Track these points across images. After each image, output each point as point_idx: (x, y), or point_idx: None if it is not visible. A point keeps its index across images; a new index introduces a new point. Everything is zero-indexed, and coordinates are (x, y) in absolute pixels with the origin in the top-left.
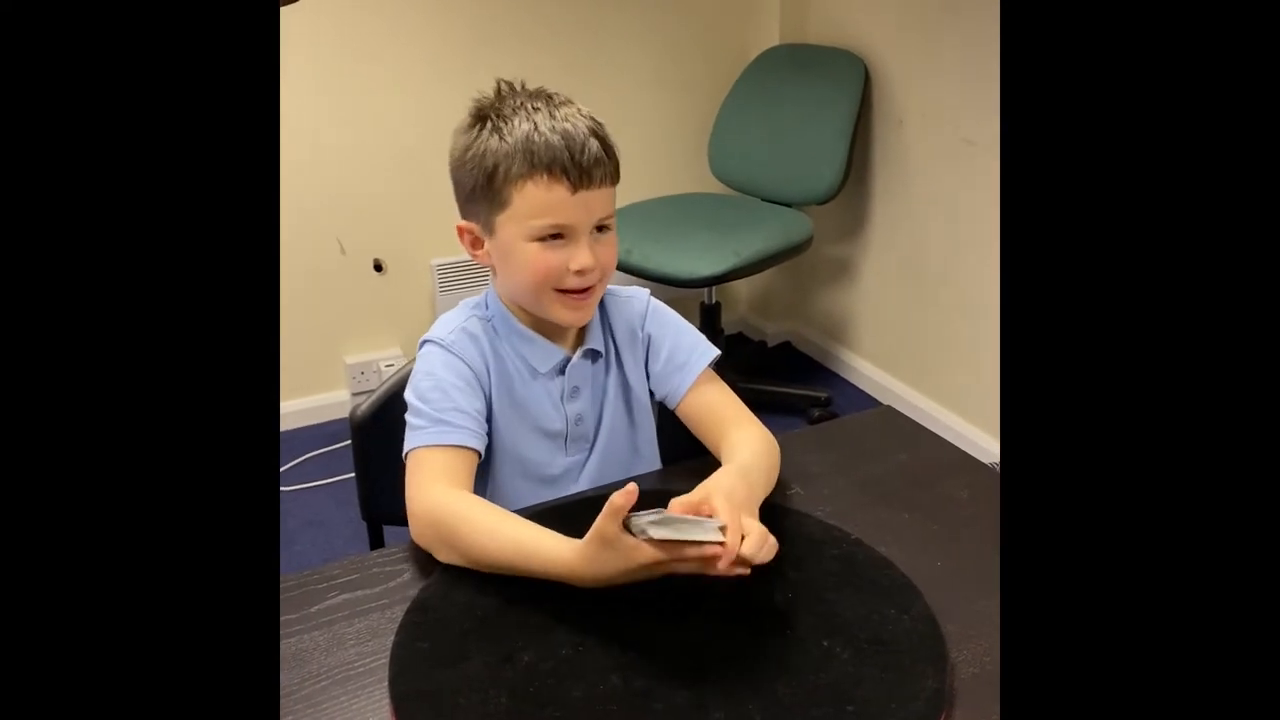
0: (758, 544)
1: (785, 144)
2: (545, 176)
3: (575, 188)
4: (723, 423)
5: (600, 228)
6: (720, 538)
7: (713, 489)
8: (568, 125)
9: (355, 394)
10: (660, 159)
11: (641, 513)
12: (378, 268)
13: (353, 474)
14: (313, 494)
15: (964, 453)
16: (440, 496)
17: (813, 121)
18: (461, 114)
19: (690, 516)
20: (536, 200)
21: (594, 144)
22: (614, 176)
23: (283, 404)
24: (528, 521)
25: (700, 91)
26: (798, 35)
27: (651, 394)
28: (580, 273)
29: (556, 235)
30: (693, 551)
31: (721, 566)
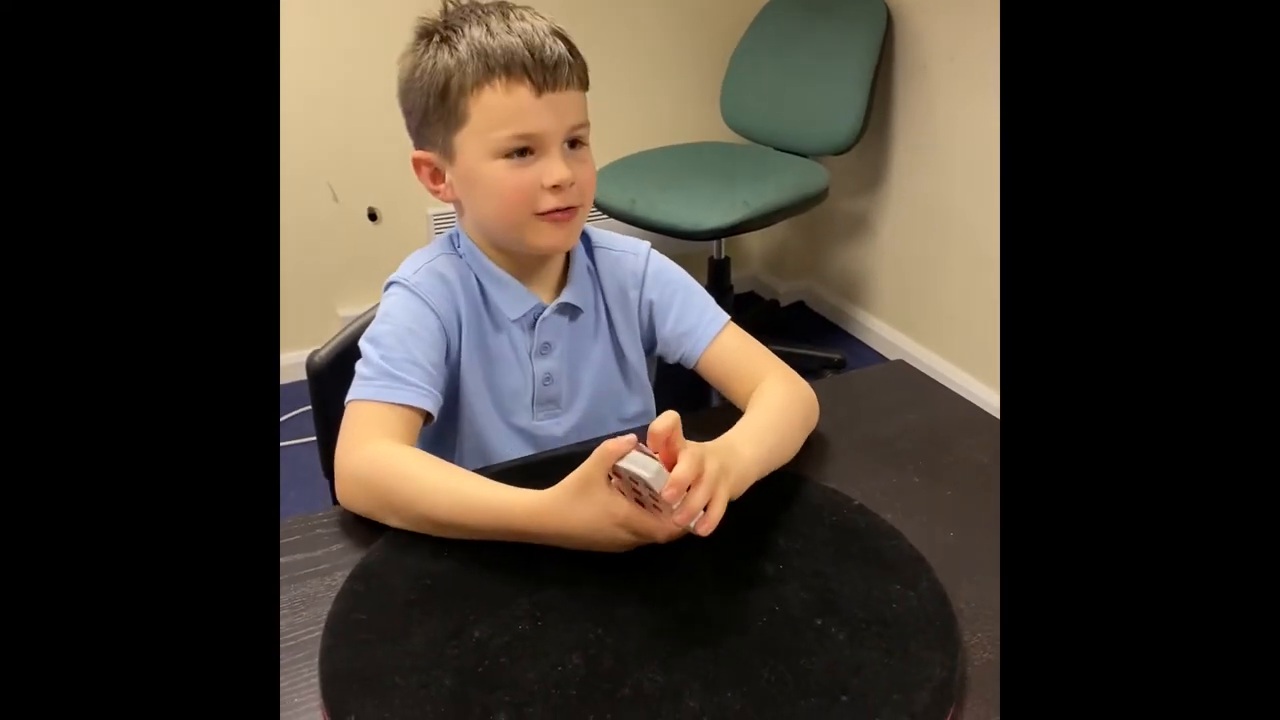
0: (684, 472)
1: (801, 90)
2: (504, 79)
3: (539, 89)
4: (744, 379)
5: (573, 142)
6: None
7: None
8: (524, 25)
9: None
10: (669, 106)
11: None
12: (372, 216)
13: None
14: (302, 450)
15: (983, 411)
16: (373, 452)
17: (831, 66)
18: None
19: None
20: (497, 108)
21: (556, 42)
22: (582, 80)
23: None
24: (478, 476)
25: (712, 34)
26: None
27: (660, 358)
28: (556, 188)
29: (524, 151)
30: (660, 522)
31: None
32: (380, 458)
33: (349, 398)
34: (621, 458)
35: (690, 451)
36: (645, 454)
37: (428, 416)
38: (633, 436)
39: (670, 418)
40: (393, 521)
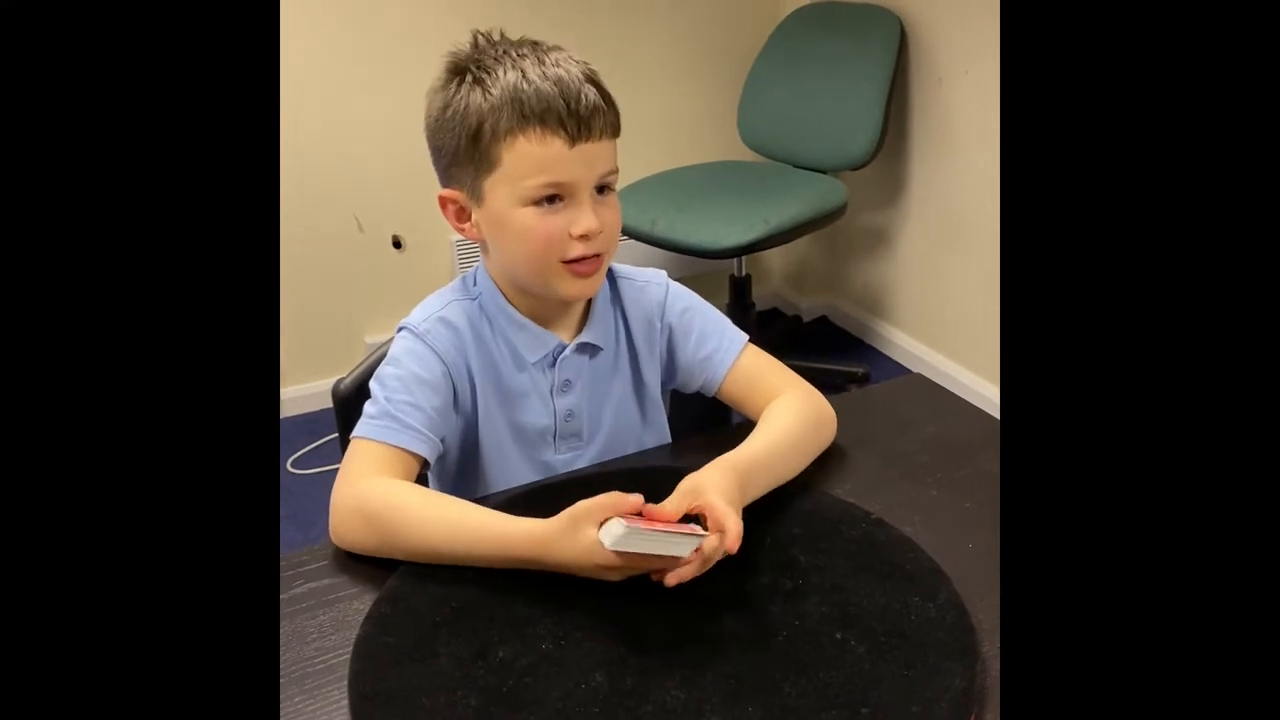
0: (715, 545)
1: (818, 107)
2: (538, 129)
3: (573, 140)
4: (761, 398)
5: (601, 188)
6: (689, 551)
7: (706, 486)
8: (560, 71)
9: None
10: (686, 126)
11: (620, 521)
12: (397, 245)
13: None
14: (330, 477)
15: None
16: (370, 486)
17: (847, 83)
18: None
19: (672, 530)
20: (530, 157)
21: (591, 91)
22: (615, 128)
23: (302, 385)
24: (475, 505)
25: (728, 54)
26: None
27: (678, 389)
28: (584, 238)
29: (554, 198)
30: (655, 562)
31: (685, 573)
32: (378, 490)
33: (353, 434)
34: (624, 511)
35: (677, 497)
36: (637, 527)
37: (426, 462)
38: (638, 500)
39: (632, 503)
40: (387, 553)
